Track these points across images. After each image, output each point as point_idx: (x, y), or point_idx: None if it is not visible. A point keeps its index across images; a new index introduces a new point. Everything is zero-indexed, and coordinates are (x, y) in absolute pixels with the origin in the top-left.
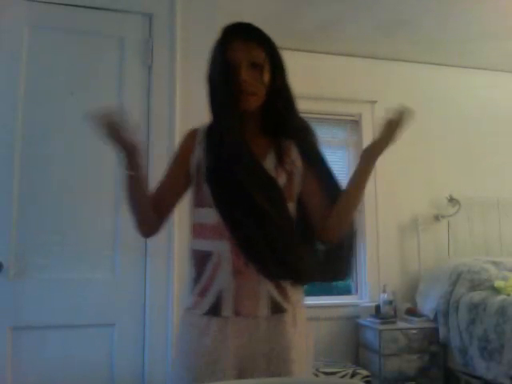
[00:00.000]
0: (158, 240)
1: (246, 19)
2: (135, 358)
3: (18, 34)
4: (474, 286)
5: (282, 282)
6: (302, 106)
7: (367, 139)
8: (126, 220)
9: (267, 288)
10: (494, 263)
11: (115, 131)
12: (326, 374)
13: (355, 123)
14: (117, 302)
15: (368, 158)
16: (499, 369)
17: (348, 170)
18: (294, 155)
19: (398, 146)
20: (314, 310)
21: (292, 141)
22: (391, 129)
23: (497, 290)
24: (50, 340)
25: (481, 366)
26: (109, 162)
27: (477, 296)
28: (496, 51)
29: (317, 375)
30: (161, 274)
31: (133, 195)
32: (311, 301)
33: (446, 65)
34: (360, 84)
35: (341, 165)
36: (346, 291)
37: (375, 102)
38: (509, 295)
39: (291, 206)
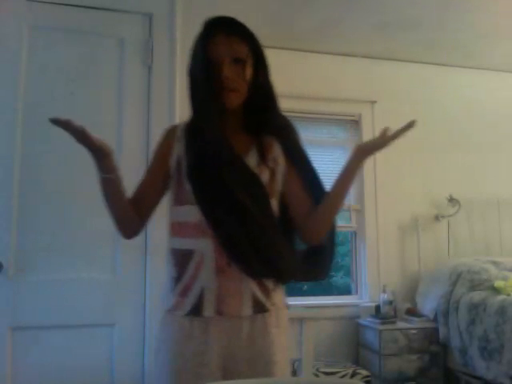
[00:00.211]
0: (157, 239)
1: (246, 19)
2: (135, 358)
3: (18, 33)
4: (474, 286)
5: (265, 281)
6: (302, 106)
7: (367, 139)
8: None
9: (250, 287)
10: (494, 263)
11: (82, 135)
12: (326, 373)
13: (355, 123)
14: (117, 302)
15: (361, 155)
16: (499, 369)
17: None
18: (277, 152)
19: (398, 145)
20: (314, 309)
21: (274, 138)
22: (394, 134)
23: (497, 290)
24: (49, 340)
25: (481, 366)
26: None
27: (477, 296)
28: (496, 51)
29: (317, 375)
30: (161, 273)
31: (110, 197)
32: (311, 301)
33: (446, 65)
34: (359, 84)
35: (341, 165)
36: (346, 291)
37: (375, 102)
38: (509, 295)
39: (274, 204)
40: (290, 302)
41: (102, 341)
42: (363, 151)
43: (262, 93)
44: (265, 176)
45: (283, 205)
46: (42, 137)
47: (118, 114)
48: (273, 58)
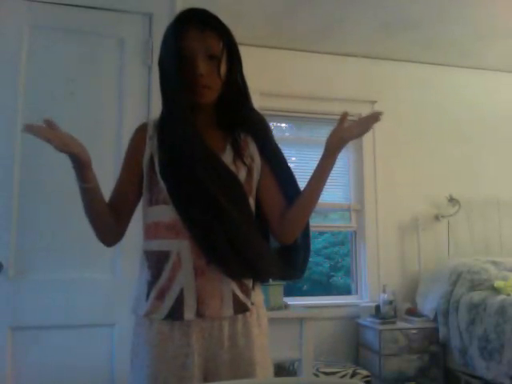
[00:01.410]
0: None
1: (246, 19)
2: None
3: (18, 34)
4: (474, 286)
5: (245, 280)
6: (302, 105)
7: (367, 139)
8: None
9: (230, 287)
10: (494, 263)
11: (62, 140)
12: (326, 374)
13: None
14: (117, 302)
15: (334, 149)
16: (499, 369)
17: (348, 169)
18: (252, 149)
19: (397, 145)
20: (314, 309)
21: (249, 135)
22: (362, 128)
23: (497, 290)
24: (50, 340)
25: (481, 366)
26: (108, 162)
27: (477, 296)
28: (496, 51)
29: (317, 375)
30: None
31: (90, 207)
32: (311, 301)
33: (445, 65)
34: (359, 84)
35: (340, 164)
36: (346, 291)
37: (375, 101)
38: (509, 295)
39: (251, 202)
40: (290, 302)
41: (102, 341)
42: (337, 145)
43: (235, 89)
44: (242, 174)
45: (257, 202)
46: None
47: (118, 114)
48: (273, 58)
